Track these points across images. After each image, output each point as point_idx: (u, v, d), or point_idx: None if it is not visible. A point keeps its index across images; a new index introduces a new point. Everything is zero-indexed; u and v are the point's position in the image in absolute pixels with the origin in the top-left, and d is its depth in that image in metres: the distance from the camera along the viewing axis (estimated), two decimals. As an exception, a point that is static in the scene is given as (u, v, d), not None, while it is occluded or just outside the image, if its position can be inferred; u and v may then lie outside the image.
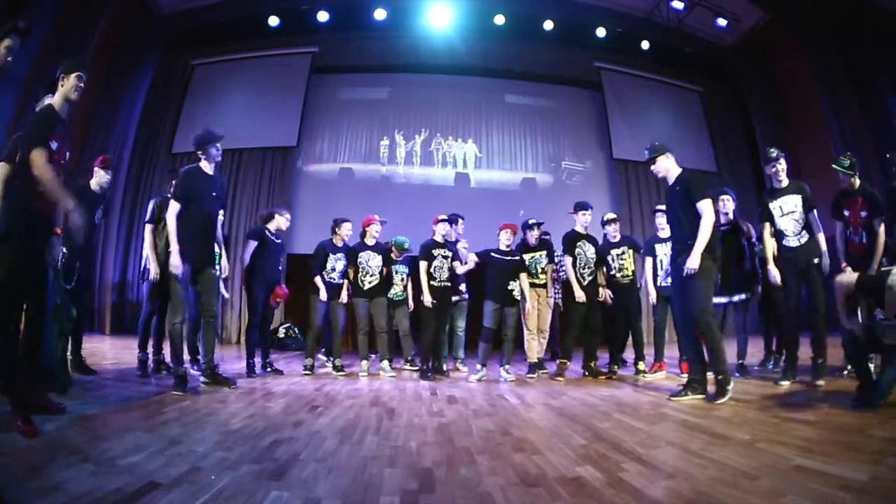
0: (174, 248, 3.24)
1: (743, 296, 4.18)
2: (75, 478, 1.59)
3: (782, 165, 3.80)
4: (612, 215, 4.73)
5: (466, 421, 2.66)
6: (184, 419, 2.54)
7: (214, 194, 3.53)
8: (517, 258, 4.39)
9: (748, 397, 3.21)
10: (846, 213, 3.55)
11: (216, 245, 3.73)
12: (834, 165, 3.67)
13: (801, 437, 2.14)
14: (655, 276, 4.51)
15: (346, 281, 4.65)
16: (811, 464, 1.77)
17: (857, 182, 3.59)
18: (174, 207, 3.34)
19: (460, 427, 2.52)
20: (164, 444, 2.02)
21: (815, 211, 3.65)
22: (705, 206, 3.19)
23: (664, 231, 4.43)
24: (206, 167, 3.52)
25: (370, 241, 4.71)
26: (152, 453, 1.89)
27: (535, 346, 4.59)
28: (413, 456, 2.00)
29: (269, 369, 4.43)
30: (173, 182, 3.64)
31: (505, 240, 4.36)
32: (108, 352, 5.31)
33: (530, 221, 4.62)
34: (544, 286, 4.65)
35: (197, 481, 1.61)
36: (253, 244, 4.37)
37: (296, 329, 7.26)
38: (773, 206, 3.79)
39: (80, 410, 2.57)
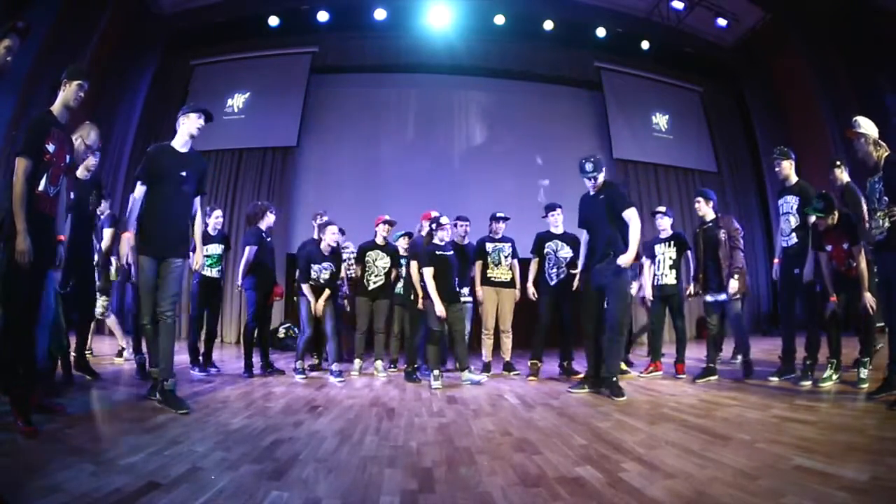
0: (125, 234, 3.07)
1: (722, 295, 4.10)
2: (75, 478, 1.59)
3: (781, 167, 3.88)
4: None
5: (466, 421, 2.66)
6: (184, 419, 2.54)
7: (183, 174, 3.00)
8: (451, 252, 4.19)
9: (748, 397, 3.21)
10: (828, 248, 3.50)
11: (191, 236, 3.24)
12: (809, 214, 3.53)
13: (801, 437, 2.14)
14: (652, 276, 4.53)
15: (343, 280, 4.50)
16: (811, 464, 1.77)
17: (836, 217, 3.41)
18: (137, 190, 2.95)
19: (460, 427, 2.52)
20: (163, 444, 2.02)
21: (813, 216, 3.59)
22: (632, 214, 3.43)
23: (665, 232, 4.52)
24: (178, 141, 3.06)
25: (380, 241, 4.64)
26: (152, 453, 1.89)
27: (489, 345, 4.65)
28: (413, 456, 2.00)
29: (269, 369, 4.43)
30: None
31: (444, 235, 4.16)
32: (108, 352, 5.30)
33: (497, 214, 4.76)
34: (506, 285, 4.64)
35: (197, 481, 1.61)
36: (254, 250, 4.34)
37: (295, 329, 7.25)
38: (778, 203, 3.92)
39: (80, 410, 2.57)
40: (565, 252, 4.48)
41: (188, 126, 3.05)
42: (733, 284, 3.98)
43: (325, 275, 4.31)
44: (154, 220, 2.93)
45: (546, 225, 4.70)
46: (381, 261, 4.59)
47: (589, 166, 3.60)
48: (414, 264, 4.25)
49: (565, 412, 2.88)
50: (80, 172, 3.67)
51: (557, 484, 1.65)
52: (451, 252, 4.23)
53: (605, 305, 3.51)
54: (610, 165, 9.16)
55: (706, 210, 4.24)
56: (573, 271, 4.33)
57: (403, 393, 3.59)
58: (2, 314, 2.26)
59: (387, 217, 4.72)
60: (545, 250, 4.50)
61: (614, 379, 3.39)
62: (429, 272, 4.04)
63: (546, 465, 1.86)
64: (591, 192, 3.67)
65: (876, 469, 1.70)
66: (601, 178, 3.63)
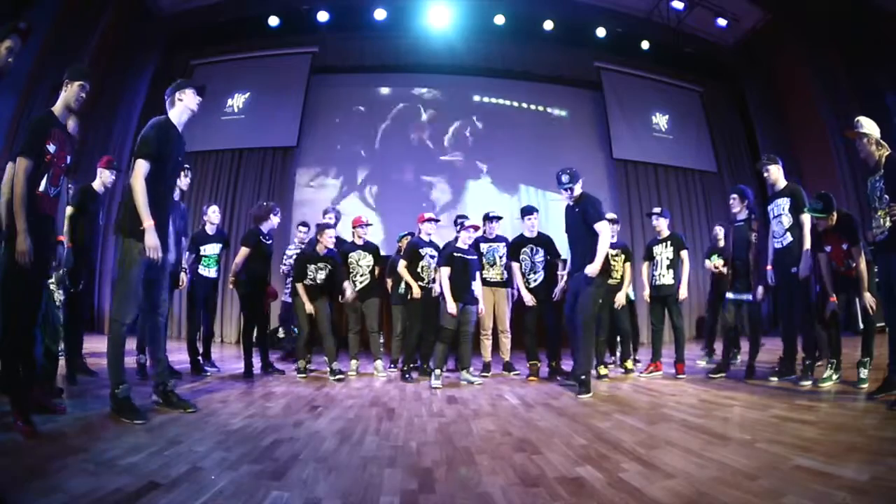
0: (148, 223, 2.52)
1: (747, 296, 4.08)
2: (75, 478, 1.59)
3: (770, 172, 3.90)
4: (612, 216, 4.75)
5: (466, 421, 2.66)
6: (184, 419, 2.54)
7: (180, 158, 2.83)
8: (476, 256, 4.36)
9: (748, 397, 3.21)
10: (828, 248, 3.51)
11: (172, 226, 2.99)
12: (808, 214, 3.56)
13: (801, 437, 2.14)
14: (651, 276, 4.54)
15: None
16: (811, 464, 1.77)
17: (834, 218, 3.44)
18: (142, 168, 2.57)
19: (460, 427, 2.52)
20: (163, 444, 2.02)
21: (806, 215, 3.61)
22: (602, 227, 3.63)
23: (662, 233, 4.56)
24: (176, 118, 2.83)
25: (359, 241, 4.68)
26: (152, 453, 1.89)
27: (487, 346, 4.66)
28: (413, 456, 2.00)
29: (268, 370, 4.43)
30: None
31: (466, 238, 4.26)
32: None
33: (491, 214, 4.80)
34: (502, 285, 4.67)
35: (197, 481, 1.62)
36: (246, 252, 4.35)
37: (295, 329, 7.24)
38: (769, 208, 3.94)
39: (80, 410, 2.57)
40: (540, 256, 4.57)
41: (188, 102, 2.82)
42: (761, 291, 3.97)
43: (321, 275, 4.34)
44: (155, 208, 2.59)
45: (521, 228, 4.74)
46: (364, 260, 4.63)
47: (565, 178, 3.77)
48: (402, 262, 4.41)
49: (565, 412, 2.88)
50: (97, 185, 3.76)
51: (557, 484, 1.65)
52: (475, 256, 4.31)
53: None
54: (610, 165, 9.20)
55: (740, 208, 4.19)
56: (560, 273, 4.51)
57: (403, 393, 3.59)
58: (2, 314, 2.26)
59: (364, 220, 4.79)
60: (521, 255, 4.57)
61: (583, 377, 3.52)
62: (445, 272, 4.11)
63: (546, 465, 1.86)
64: (570, 203, 3.86)
65: (876, 469, 1.70)
66: (577, 188, 3.79)
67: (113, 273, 2.59)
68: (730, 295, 4.21)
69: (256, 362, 4.40)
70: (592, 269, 3.57)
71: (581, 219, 3.73)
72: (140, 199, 2.54)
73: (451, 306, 4.02)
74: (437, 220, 4.57)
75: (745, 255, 4.07)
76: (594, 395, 3.43)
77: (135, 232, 2.56)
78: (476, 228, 4.43)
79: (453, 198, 8.65)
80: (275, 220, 4.56)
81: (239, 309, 7.77)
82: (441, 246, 4.63)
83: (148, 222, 2.53)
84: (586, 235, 3.68)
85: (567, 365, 4.54)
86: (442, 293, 4.11)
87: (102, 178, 3.79)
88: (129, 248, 2.58)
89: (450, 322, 4.07)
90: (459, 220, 4.73)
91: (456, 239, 4.35)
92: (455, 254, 4.17)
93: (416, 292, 4.34)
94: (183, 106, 2.84)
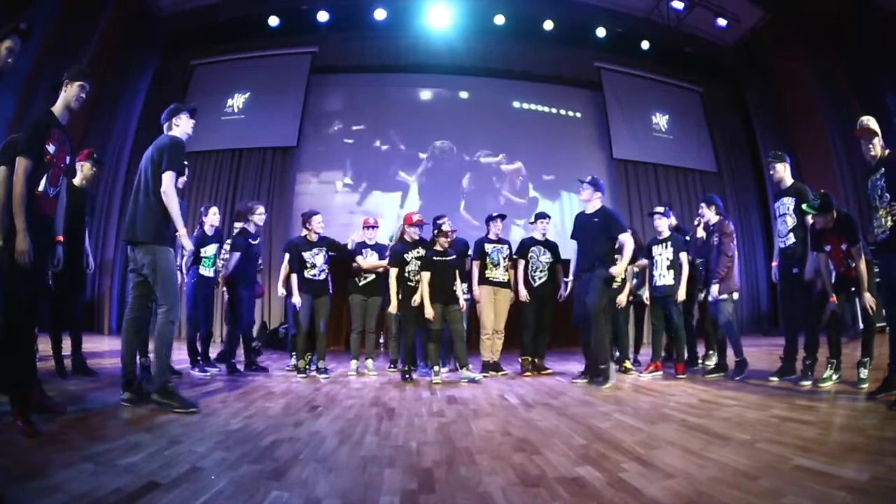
0: (183, 230, 2.82)
1: (704, 295, 4.25)
2: (75, 478, 1.59)
3: (776, 170, 3.90)
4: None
5: (466, 421, 2.66)
6: (184, 419, 2.54)
7: None
8: (454, 257, 4.39)
9: (748, 397, 3.21)
10: (827, 248, 3.48)
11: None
12: (806, 209, 3.50)
13: (801, 437, 2.14)
14: (651, 276, 4.56)
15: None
16: (811, 464, 1.77)
17: (834, 218, 3.39)
18: (173, 178, 2.80)
19: (460, 427, 2.52)
20: (164, 444, 2.02)
21: (808, 216, 3.58)
22: (627, 238, 3.96)
23: (664, 233, 4.55)
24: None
25: (370, 242, 4.73)
26: (152, 453, 1.89)
27: (488, 346, 4.70)
28: (413, 456, 2.00)
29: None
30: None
31: (443, 241, 4.30)
32: (108, 352, 5.30)
33: (493, 214, 4.94)
34: (505, 285, 4.72)
35: (197, 481, 1.61)
36: (237, 256, 4.43)
37: (284, 329, 7.25)
38: (774, 206, 3.97)
39: (80, 410, 2.57)
40: (546, 258, 4.76)
41: (184, 127, 3.05)
42: (714, 289, 4.09)
43: (319, 259, 4.42)
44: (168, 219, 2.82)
45: (530, 230, 4.91)
46: (371, 258, 4.67)
47: (588, 179, 4.20)
48: (393, 272, 4.38)
49: (565, 412, 2.88)
50: (78, 181, 3.69)
51: (557, 484, 1.65)
52: (454, 256, 4.38)
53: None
54: (610, 165, 9.21)
55: (710, 215, 4.37)
56: (566, 279, 4.69)
57: (403, 393, 3.59)
58: (1, 314, 2.26)
59: (372, 221, 4.87)
60: (529, 255, 4.75)
61: (602, 366, 3.83)
62: (426, 276, 4.22)
63: (546, 465, 1.86)
64: (586, 212, 4.11)
65: (876, 469, 1.70)
66: (589, 195, 4.10)
67: (163, 280, 2.67)
68: (709, 298, 4.28)
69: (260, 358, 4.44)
70: (617, 270, 3.93)
71: (599, 229, 4.00)
72: (175, 210, 2.78)
73: (429, 311, 4.17)
74: (423, 224, 4.59)
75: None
76: (592, 395, 3.43)
77: (167, 239, 2.81)
78: (454, 232, 4.50)
79: (452, 197, 8.65)
80: (256, 218, 4.66)
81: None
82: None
83: (183, 230, 2.81)
84: (602, 244, 3.97)
85: (548, 363, 4.82)
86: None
87: (83, 172, 3.72)
88: (168, 255, 2.81)
89: (436, 323, 4.22)
90: (437, 223, 4.64)
91: (433, 243, 4.38)
92: (434, 258, 4.26)
93: (393, 307, 4.35)
94: (182, 130, 3.04)
